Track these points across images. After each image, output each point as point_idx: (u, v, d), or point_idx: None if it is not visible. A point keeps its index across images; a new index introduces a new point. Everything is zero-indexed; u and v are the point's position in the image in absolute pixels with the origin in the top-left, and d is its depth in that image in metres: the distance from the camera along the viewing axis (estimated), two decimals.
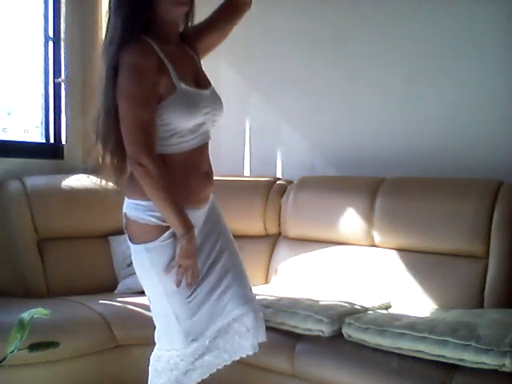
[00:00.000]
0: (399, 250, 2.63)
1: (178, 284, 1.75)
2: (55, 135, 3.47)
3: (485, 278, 2.39)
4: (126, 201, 1.83)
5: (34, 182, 3.07)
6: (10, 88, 3.44)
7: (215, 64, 2.82)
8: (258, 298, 2.31)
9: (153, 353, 1.88)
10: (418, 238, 2.58)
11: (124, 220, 1.83)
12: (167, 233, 1.75)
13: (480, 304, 2.36)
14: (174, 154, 1.77)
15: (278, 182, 3.17)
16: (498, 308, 2.29)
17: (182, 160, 1.78)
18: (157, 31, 1.77)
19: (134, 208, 1.79)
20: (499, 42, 2.68)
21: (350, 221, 2.76)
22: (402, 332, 1.96)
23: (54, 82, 3.45)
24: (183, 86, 1.76)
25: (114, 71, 1.71)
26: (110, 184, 1.93)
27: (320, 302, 2.33)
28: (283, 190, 3.09)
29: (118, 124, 1.72)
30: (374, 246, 2.73)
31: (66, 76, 3.41)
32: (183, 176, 1.78)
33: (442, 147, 2.84)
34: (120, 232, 3.18)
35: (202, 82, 1.86)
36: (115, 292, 2.93)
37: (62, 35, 3.41)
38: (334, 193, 2.88)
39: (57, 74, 3.45)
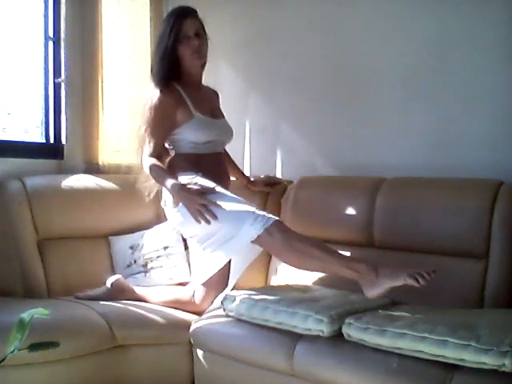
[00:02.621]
0: (399, 250, 2.63)
1: (199, 222, 2.40)
2: (55, 135, 3.46)
3: (485, 278, 2.39)
4: None
5: (34, 182, 3.06)
6: (10, 88, 3.43)
7: (215, 64, 2.82)
8: (257, 297, 2.31)
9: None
10: (418, 238, 2.58)
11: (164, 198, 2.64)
12: None
13: (480, 304, 2.36)
14: (198, 154, 2.61)
15: None
16: (497, 308, 2.29)
17: (205, 157, 2.63)
18: (184, 79, 2.64)
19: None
20: (501, 42, 2.68)
21: (350, 221, 2.76)
22: (402, 332, 1.96)
23: (54, 82, 3.44)
24: (199, 115, 2.58)
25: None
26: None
27: (320, 302, 2.33)
28: (283, 190, 3.09)
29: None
30: (373, 246, 2.73)
31: (66, 76, 3.41)
32: (208, 166, 2.60)
33: (441, 147, 2.84)
34: (120, 232, 3.21)
35: (217, 114, 2.69)
36: None
37: (62, 35, 3.40)
38: (334, 193, 2.88)
39: (57, 74, 3.44)
